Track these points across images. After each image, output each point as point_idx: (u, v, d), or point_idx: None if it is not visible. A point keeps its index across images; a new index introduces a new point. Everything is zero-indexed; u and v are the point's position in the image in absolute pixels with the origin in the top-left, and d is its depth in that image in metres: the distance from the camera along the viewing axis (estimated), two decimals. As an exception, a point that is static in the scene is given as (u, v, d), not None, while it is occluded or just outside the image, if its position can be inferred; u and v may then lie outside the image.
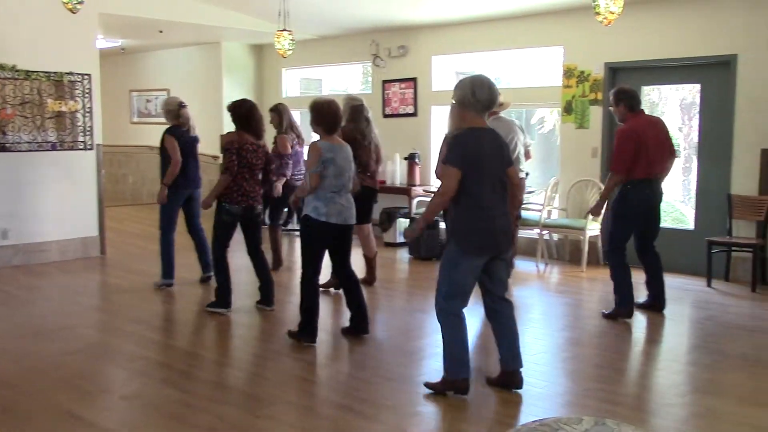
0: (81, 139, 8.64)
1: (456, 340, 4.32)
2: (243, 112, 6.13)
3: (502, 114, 7.11)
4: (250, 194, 6.08)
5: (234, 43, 11.99)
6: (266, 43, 11.68)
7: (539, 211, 8.50)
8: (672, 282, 7.52)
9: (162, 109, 7.17)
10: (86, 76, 8.68)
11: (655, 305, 6.27)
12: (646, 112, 8.36)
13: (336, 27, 10.48)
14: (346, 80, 13.71)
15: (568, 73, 8.56)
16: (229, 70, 12.08)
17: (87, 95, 8.65)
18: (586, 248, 8.08)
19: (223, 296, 6.20)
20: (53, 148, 8.47)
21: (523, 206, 8.90)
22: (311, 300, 5.31)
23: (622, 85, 6.41)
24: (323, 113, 5.28)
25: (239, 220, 6.13)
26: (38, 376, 4.76)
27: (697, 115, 8.00)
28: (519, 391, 4.47)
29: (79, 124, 8.64)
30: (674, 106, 10.38)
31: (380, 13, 9.46)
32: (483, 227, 4.24)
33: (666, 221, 9.39)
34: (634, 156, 5.88)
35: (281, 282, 7.17)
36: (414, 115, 10.27)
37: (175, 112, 6.95)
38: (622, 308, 6.05)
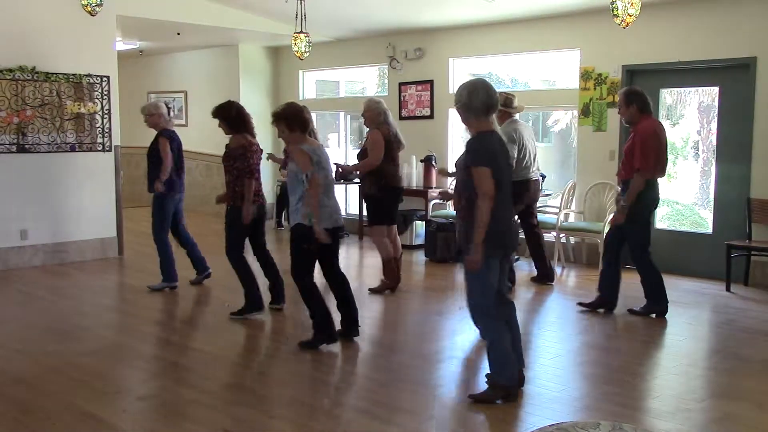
0: (99, 140, 8.71)
1: (504, 344, 4.32)
2: (235, 113, 6.24)
3: (517, 116, 7.34)
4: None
5: (251, 45, 12.03)
6: (283, 46, 11.72)
7: (556, 214, 8.46)
8: (690, 286, 7.48)
9: (156, 113, 7.18)
10: (105, 78, 8.76)
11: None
12: (663, 114, 8.37)
13: (352, 29, 10.49)
14: (363, 82, 13.71)
15: (586, 75, 8.52)
16: (246, 72, 12.12)
17: (105, 97, 8.73)
18: (602, 251, 8.02)
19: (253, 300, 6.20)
20: (72, 149, 8.55)
21: (539, 209, 8.91)
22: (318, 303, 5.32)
23: (632, 86, 6.42)
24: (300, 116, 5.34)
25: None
26: (57, 376, 4.79)
27: (716, 118, 7.94)
28: (534, 393, 4.45)
29: (97, 125, 8.71)
30: (692, 109, 10.30)
31: (397, 15, 9.46)
32: (504, 228, 4.27)
33: (684, 225, 9.34)
34: (657, 157, 6.00)
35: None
36: (430, 117, 10.26)
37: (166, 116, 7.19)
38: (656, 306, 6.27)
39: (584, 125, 8.65)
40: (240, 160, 6.03)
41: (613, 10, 5.29)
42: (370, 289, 7.10)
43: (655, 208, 6.40)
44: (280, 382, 4.78)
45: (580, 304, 6.50)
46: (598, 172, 8.49)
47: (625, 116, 6.17)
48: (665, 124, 8.68)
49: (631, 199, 6.02)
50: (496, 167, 4.17)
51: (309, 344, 5.25)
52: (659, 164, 6.05)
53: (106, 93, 8.75)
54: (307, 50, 8.06)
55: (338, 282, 5.52)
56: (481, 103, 4.23)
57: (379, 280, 7.21)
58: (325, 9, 8.76)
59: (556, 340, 5.70)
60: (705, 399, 4.50)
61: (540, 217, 8.70)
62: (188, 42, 11.83)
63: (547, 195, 9.23)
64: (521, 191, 7.34)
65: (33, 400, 4.38)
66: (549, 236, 8.75)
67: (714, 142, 8.09)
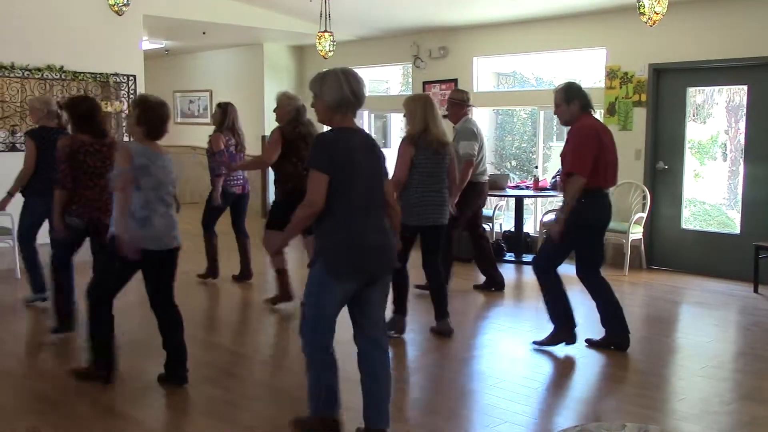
0: (126, 139, 8.78)
1: (323, 379, 3.68)
2: (84, 109, 5.23)
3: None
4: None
5: (276, 44, 12.09)
6: (308, 45, 11.76)
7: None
8: (717, 287, 7.40)
9: (38, 107, 6.20)
10: (131, 77, 8.85)
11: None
12: (690, 113, 8.29)
13: (377, 28, 10.50)
14: (387, 81, 13.73)
15: (612, 74, 8.45)
16: (271, 71, 12.18)
17: (132, 96, 8.81)
18: (628, 252, 7.97)
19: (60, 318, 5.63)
20: (99, 147, 8.63)
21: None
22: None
23: (572, 82, 5.34)
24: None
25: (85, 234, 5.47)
26: (83, 371, 4.84)
27: (744, 118, 7.85)
28: (559, 395, 4.42)
29: (124, 124, 8.79)
30: (720, 108, 10.20)
31: (421, 14, 9.46)
32: (352, 244, 3.48)
33: (712, 225, 9.24)
34: (595, 159, 5.05)
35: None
36: (454, 116, 10.23)
37: (56, 112, 6.17)
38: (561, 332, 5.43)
39: (610, 124, 8.54)
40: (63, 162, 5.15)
41: (639, 8, 5.25)
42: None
43: (600, 227, 5.27)
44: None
45: (588, 341, 5.54)
46: (623, 171, 8.29)
47: (564, 116, 5.22)
48: (693, 123, 8.62)
49: (569, 207, 5.05)
50: (343, 173, 3.42)
51: (84, 374, 4.61)
52: (603, 170, 5.15)
53: (132, 92, 8.85)
54: (331, 49, 8.08)
55: (169, 315, 4.68)
56: (362, 94, 3.53)
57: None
58: (349, 8, 8.77)
59: (580, 341, 5.65)
60: (732, 402, 4.45)
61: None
62: (213, 41, 11.91)
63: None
64: (471, 195, 7.02)
65: (60, 395, 4.43)
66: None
67: (742, 142, 7.99)
